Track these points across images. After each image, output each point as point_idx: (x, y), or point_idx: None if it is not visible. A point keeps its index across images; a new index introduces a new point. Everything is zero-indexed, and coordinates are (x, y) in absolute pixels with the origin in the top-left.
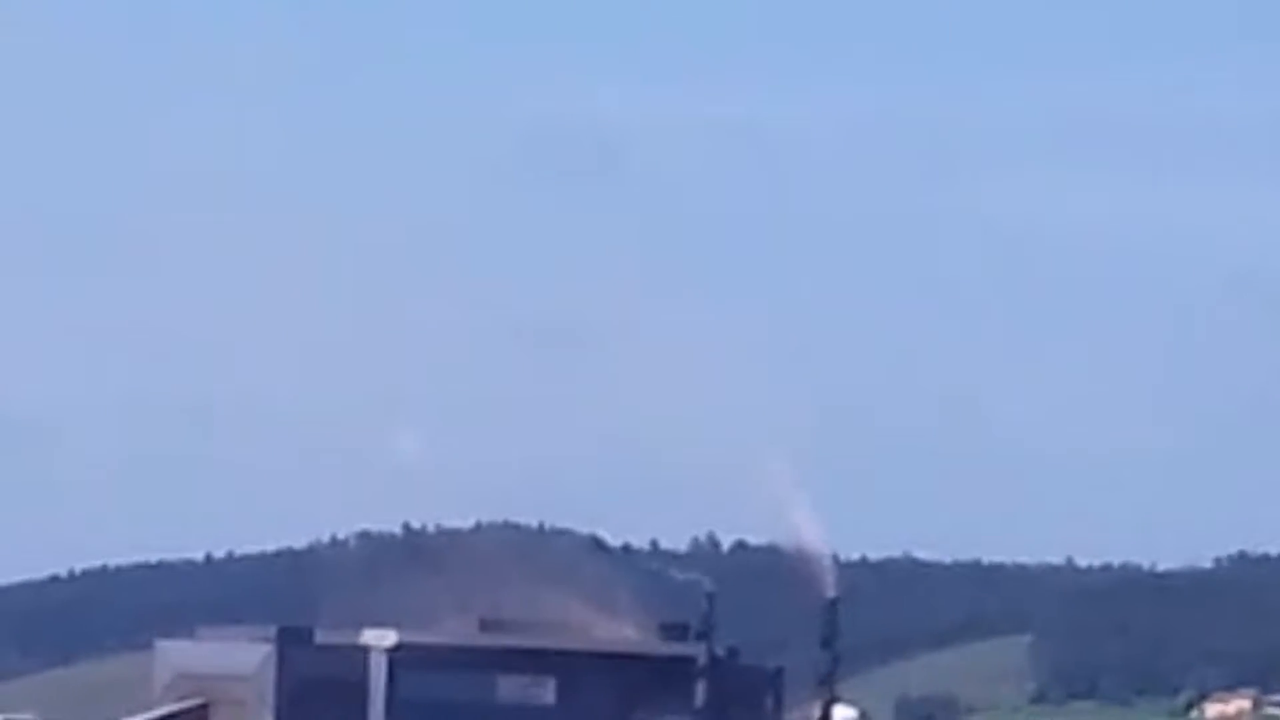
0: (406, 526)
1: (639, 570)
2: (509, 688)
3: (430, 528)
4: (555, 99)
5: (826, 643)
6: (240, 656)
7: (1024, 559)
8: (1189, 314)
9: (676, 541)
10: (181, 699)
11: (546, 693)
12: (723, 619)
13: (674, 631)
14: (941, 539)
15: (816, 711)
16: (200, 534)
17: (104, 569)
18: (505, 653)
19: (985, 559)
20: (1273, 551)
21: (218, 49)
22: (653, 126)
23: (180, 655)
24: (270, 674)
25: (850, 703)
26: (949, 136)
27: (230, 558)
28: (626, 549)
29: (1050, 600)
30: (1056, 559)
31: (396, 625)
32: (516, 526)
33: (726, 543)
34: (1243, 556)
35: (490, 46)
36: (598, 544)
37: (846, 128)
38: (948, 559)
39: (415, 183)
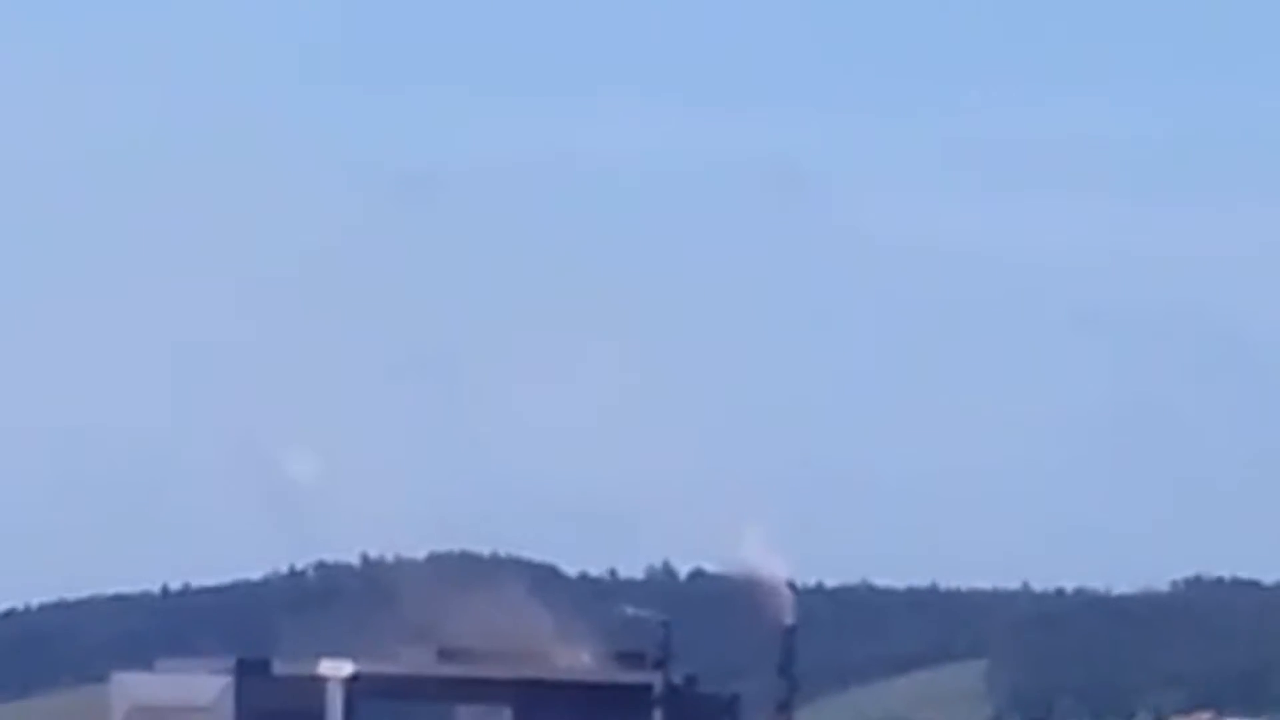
0: (363, 557)
1: (596, 599)
2: (466, 717)
3: (387, 558)
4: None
5: (784, 669)
6: (198, 688)
7: (980, 584)
8: (1142, 336)
9: (633, 570)
10: None
11: None
12: (680, 647)
13: (631, 660)
14: (897, 566)
15: None
16: (156, 566)
17: (60, 602)
18: (462, 682)
19: (941, 585)
20: (1228, 575)
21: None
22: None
23: (138, 687)
24: (228, 705)
25: None
26: (818, 162)
27: (187, 589)
28: (583, 578)
29: (1006, 625)
30: (1012, 584)
31: (353, 655)
32: (471, 556)
33: (683, 571)
34: (1199, 580)
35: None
36: (554, 573)
37: (713, 159)
38: (903, 585)
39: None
